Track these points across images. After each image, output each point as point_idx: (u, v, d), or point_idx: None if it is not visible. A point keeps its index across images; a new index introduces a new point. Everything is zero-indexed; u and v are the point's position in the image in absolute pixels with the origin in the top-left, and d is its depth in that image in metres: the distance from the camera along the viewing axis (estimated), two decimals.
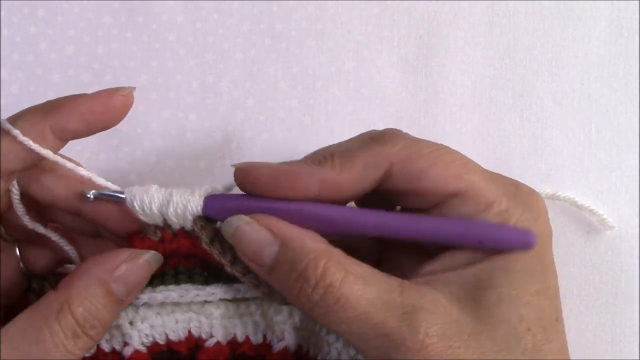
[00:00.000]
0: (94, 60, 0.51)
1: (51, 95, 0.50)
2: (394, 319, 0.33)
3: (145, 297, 0.38)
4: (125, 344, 0.38)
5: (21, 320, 0.35)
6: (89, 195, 0.38)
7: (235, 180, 0.37)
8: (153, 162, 0.51)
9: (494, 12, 0.52)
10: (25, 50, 0.51)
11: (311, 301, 0.34)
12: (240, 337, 0.39)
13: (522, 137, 0.51)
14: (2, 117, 0.40)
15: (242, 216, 0.36)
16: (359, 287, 0.34)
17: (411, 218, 0.36)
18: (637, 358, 0.49)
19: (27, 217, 0.40)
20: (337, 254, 0.35)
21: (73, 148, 0.41)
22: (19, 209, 0.39)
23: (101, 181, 0.38)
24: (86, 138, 0.39)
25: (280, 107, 0.51)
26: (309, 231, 0.35)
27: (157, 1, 0.51)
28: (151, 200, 0.37)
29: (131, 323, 0.38)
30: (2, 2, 0.51)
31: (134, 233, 0.39)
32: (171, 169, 0.50)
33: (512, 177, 0.38)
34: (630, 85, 0.51)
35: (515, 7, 0.52)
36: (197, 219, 0.38)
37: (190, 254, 0.39)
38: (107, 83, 0.51)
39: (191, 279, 0.39)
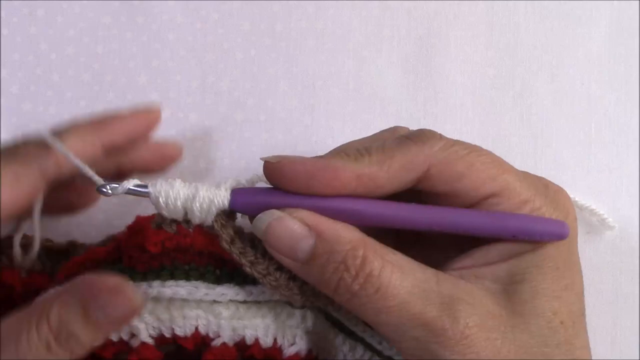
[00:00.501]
0: (94, 60, 0.51)
1: (51, 95, 0.50)
2: (433, 309, 0.33)
3: (154, 291, 0.38)
4: (132, 335, 0.38)
5: (9, 319, 0.35)
6: (105, 190, 0.37)
7: (265, 174, 0.36)
8: None
9: (494, 12, 0.52)
10: (25, 50, 0.51)
11: (350, 292, 0.34)
12: (249, 340, 0.38)
13: (522, 137, 0.51)
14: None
15: (275, 211, 0.35)
16: (397, 275, 0.34)
17: (444, 211, 0.36)
18: (637, 358, 0.49)
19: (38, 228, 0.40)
20: (373, 242, 0.35)
21: None
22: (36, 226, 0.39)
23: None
24: None
25: (280, 107, 0.51)
26: (341, 222, 0.35)
27: (157, 1, 0.51)
28: (176, 196, 0.36)
29: (139, 315, 0.38)
30: (2, 2, 0.51)
31: (144, 219, 0.38)
32: (171, 169, 0.49)
33: None
34: (630, 85, 0.51)
35: (515, 7, 0.52)
36: (219, 216, 0.37)
37: (204, 252, 0.38)
38: (107, 83, 0.51)
39: (203, 277, 0.38)
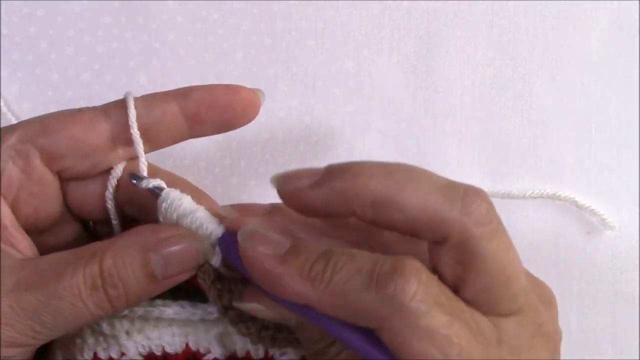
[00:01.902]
0: (94, 60, 0.51)
1: (51, 95, 0.50)
2: None
3: (140, 310, 0.38)
4: (122, 354, 0.38)
5: (58, 255, 0.34)
6: (133, 180, 0.37)
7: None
8: (153, 162, 0.50)
9: (494, 12, 0.52)
10: (25, 50, 0.51)
11: None
12: (240, 353, 0.38)
13: (522, 137, 0.51)
14: (2, 119, 0.40)
15: (256, 305, 0.34)
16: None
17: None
18: (637, 358, 0.49)
19: (112, 199, 0.39)
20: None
21: None
22: (110, 191, 0.39)
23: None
24: None
25: (280, 107, 0.51)
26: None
27: (157, 1, 0.51)
28: (176, 207, 0.36)
29: (127, 333, 0.38)
30: (2, 2, 0.51)
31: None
32: (171, 169, 0.49)
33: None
34: (630, 85, 0.51)
35: (515, 7, 0.52)
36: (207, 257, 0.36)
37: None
38: (107, 83, 0.51)
39: (189, 296, 0.38)
